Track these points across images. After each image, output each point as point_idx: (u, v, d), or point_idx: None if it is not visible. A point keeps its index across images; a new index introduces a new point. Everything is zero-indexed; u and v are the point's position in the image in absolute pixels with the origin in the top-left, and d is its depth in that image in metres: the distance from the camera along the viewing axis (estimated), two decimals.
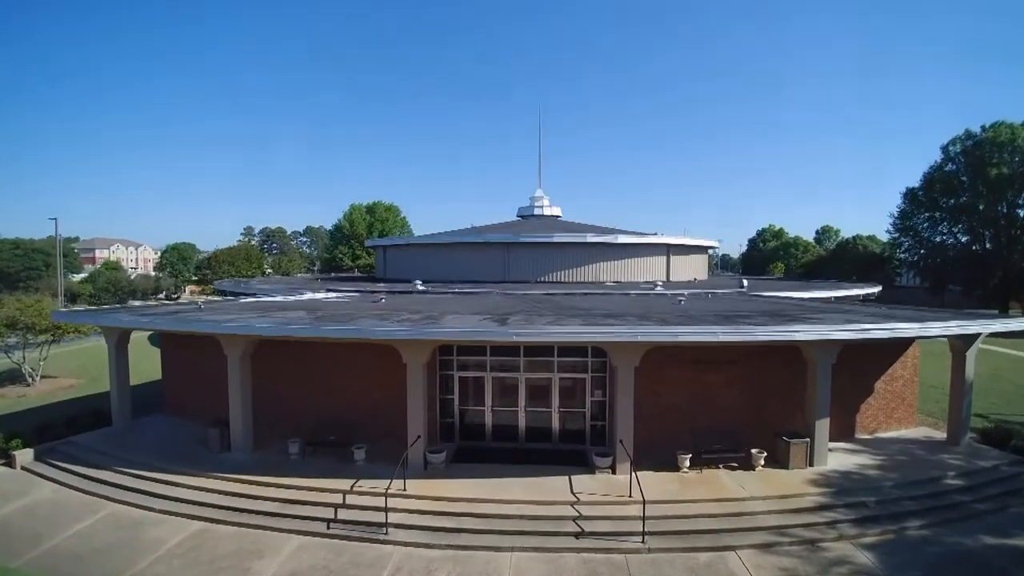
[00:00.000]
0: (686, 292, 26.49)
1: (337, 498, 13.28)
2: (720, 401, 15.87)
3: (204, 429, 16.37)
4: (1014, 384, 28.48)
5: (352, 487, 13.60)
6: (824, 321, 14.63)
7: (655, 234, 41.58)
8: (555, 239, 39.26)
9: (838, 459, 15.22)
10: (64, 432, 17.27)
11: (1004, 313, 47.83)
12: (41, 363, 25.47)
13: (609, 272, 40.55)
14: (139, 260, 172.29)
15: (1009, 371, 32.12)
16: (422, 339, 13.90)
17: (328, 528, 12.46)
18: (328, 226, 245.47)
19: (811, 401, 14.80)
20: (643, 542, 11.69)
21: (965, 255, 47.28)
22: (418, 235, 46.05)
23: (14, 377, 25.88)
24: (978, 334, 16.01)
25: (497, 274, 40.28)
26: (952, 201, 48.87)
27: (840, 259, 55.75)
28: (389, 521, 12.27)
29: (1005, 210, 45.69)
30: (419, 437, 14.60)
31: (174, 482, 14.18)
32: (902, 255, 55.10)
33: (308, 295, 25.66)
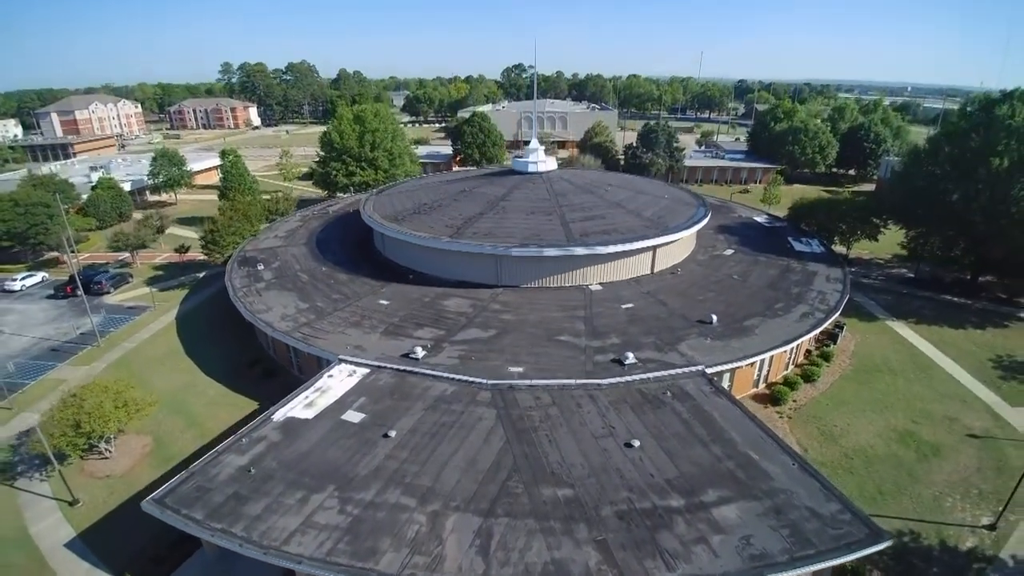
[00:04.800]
0: (652, 375, 30.33)
1: None
2: None
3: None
4: (921, 451, 27.02)
5: None
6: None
7: (642, 239, 43.17)
8: (545, 253, 41.52)
9: None
10: (171, 562, 23.99)
11: (972, 291, 49.31)
12: (115, 439, 30.72)
13: (596, 274, 43.63)
14: (121, 117, 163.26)
15: (931, 423, 28.65)
16: None
17: None
18: (311, 61, 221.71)
19: None
20: None
21: (950, 227, 46.11)
22: (415, 233, 46.82)
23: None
24: None
25: (490, 278, 43.54)
26: (954, 170, 45.23)
27: (835, 207, 56.17)
28: None
29: (999, 192, 42.15)
30: None
31: None
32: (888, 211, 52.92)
33: (330, 393, 29.77)
